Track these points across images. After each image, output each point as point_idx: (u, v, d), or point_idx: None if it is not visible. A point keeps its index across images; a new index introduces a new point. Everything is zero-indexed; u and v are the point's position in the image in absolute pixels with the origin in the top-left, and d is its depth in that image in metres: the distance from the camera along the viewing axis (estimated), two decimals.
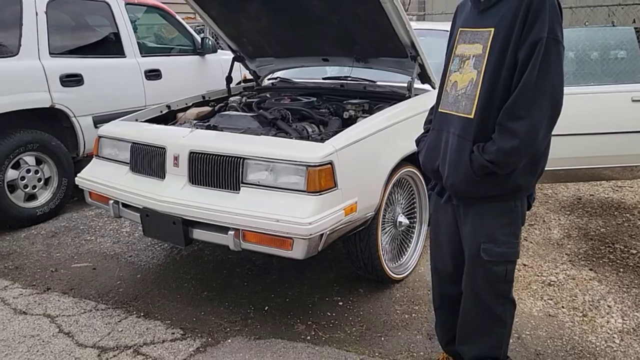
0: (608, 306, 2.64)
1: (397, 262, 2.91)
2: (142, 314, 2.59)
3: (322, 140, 2.38)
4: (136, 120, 3.05)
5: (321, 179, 2.18)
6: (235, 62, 3.65)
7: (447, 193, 1.78)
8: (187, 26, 5.16)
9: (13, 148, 3.62)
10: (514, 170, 1.62)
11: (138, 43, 4.53)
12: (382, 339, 2.38)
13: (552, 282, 2.89)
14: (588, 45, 3.76)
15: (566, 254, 3.26)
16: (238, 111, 3.12)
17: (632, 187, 4.55)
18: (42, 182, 3.84)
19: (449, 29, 1.89)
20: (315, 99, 3.18)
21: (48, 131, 3.85)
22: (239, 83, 4.38)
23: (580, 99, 3.42)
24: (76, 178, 2.90)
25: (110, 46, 4.34)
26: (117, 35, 4.37)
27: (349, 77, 3.45)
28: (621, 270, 3.04)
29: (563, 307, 2.64)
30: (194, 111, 3.26)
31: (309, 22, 3.02)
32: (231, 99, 3.46)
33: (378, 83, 3.29)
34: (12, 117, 3.60)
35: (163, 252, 3.33)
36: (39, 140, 3.76)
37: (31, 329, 2.46)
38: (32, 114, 3.74)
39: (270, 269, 3.06)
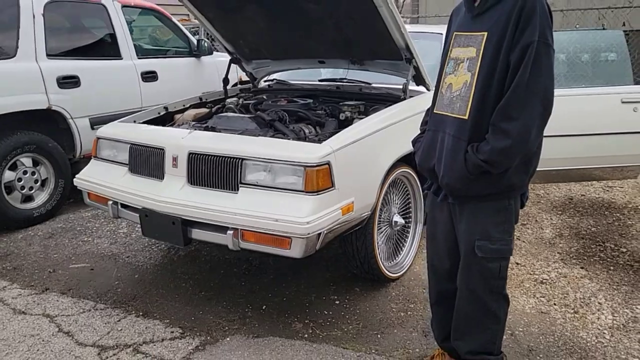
0: (599, 303, 2.70)
1: (393, 261, 2.96)
2: (141, 314, 2.61)
3: (319, 141, 2.42)
4: (134, 121, 3.08)
5: (319, 179, 2.22)
6: (232, 64, 3.68)
7: (443, 192, 1.83)
8: (183, 28, 5.19)
9: (10, 149, 3.63)
10: (507, 170, 1.67)
11: (134, 45, 4.55)
12: (379, 336, 2.42)
13: (544, 280, 2.94)
14: (579, 48, 3.82)
15: (558, 252, 3.32)
16: (235, 113, 3.16)
17: (622, 188, 4.63)
18: (38, 184, 3.85)
19: (442, 32, 1.95)
20: (311, 100, 3.22)
21: (44, 133, 3.87)
22: (235, 85, 4.42)
23: (571, 101, 3.49)
24: (74, 179, 2.92)
25: (107, 48, 4.36)
26: (113, 37, 4.39)
27: (345, 79, 3.49)
28: (611, 268, 3.10)
29: (555, 304, 2.70)
30: (192, 113, 3.29)
31: (305, 25, 3.06)
32: (228, 100, 3.49)
33: (373, 85, 3.34)
34: (8, 118, 3.61)
35: (160, 252, 3.35)
36: (35, 142, 3.77)
37: (31, 328, 2.47)
38: (29, 115, 3.75)
39: (267, 268, 3.10)
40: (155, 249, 3.40)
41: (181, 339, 2.39)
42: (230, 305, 2.69)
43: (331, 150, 2.29)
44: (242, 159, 2.35)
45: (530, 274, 3.02)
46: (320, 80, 3.67)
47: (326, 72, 3.83)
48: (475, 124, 1.67)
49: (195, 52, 5.11)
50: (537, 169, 1.80)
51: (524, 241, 3.50)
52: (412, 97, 3.00)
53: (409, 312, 2.62)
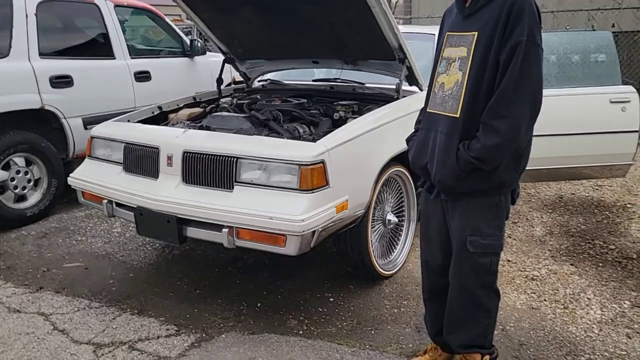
0: (588, 299, 2.75)
1: (386, 259, 2.99)
2: (136, 312, 2.62)
3: (313, 140, 2.45)
4: (128, 121, 3.09)
5: (313, 177, 2.25)
6: (226, 64, 3.70)
7: (435, 189, 1.87)
8: (176, 28, 5.19)
9: (3, 149, 3.62)
10: (498, 166, 1.71)
11: (127, 45, 4.55)
12: (372, 332, 2.45)
13: (535, 277, 2.99)
14: (569, 49, 3.88)
15: (548, 250, 3.38)
16: (230, 112, 3.17)
17: (611, 186, 4.70)
18: (31, 183, 3.84)
19: (435, 33, 1.98)
20: (305, 100, 3.25)
21: (37, 132, 3.86)
22: (229, 85, 4.43)
23: (561, 101, 3.54)
24: (69, 178, 2.92)
25: (100, 48, 4.36)
26: (106, 36, 4.39)
27: (339, 79, 3.52)
28: (600, 264, 3.16)
29: (545, 300, 2.75)
30: (186, 112, 3.30)
31: (299, 25, 3.08)
32: (222, 100, 3.51)
33: (367, 85, 3.37)
34: (1, 118, 3.60)
35: (155, 251, 3.36)
36: (28, 142, 3.76)
37: (26, 326, 2.48)
38: (22, 115, 3.74)
39: (261, 267, 3.12)
40: (150, 248, 3.40)
41: (177, 336, 2.41)
42: (225, 303, 2.70)
43: (325, 149, 2.32)
44: (237, 158, 2.37)
45: (521, 271, 3.07)
46: (314, 80, 3.69)
47: (320, 72, 3.85)
48: (466, 122, 1.71)
49: (189, 52, 5.12)
50: (528, 168, 1.85)
51: (515, 239, 3.55)
52: (405, 97, 3.03)
53: (402, 309, 2.65)
